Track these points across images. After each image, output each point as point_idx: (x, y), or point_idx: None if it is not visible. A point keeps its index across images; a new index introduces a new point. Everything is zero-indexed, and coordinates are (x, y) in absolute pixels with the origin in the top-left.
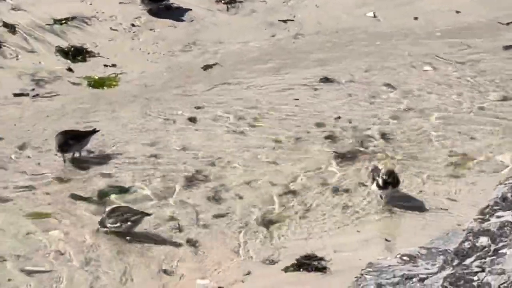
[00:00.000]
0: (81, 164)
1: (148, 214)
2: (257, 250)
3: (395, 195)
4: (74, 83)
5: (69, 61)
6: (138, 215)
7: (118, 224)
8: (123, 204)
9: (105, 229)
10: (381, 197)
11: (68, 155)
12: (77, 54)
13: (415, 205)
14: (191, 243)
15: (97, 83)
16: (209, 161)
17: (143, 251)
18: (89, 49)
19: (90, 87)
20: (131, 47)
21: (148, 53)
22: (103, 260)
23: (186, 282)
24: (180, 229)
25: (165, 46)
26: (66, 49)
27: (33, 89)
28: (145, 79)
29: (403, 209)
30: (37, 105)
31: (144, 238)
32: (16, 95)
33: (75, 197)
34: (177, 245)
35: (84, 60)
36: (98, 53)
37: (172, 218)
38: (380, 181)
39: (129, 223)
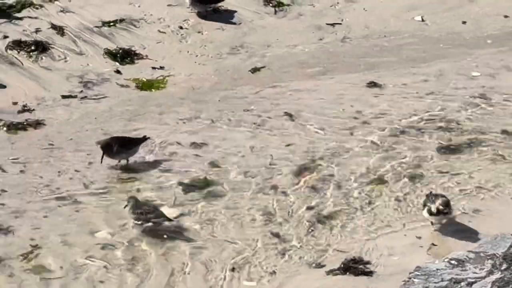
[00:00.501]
0: (128, 166)
1: (170, 219)
2: (303, 253)
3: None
4: (122, 85)
5: (117, 63)
6: (160, 218)
7: (139, 222)
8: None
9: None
10: (432, 223)
11: (115, 161)
12: (125, 56)
13: (464, 209)
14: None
15: (145, 85)
16: (261, 164)
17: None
18: (137, 51)
19: (138, 89)
20: (179, 50)
21: (196, 56)
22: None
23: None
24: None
25: (213, 49)
26: (114, 51)
27: (81, 91)
28: (193, 82)
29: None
30: (84, 107)
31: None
32: (64, 97)
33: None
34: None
35: (132, 62)
36: (146, 55)
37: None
38: (433, 209)
39: (150, 224)
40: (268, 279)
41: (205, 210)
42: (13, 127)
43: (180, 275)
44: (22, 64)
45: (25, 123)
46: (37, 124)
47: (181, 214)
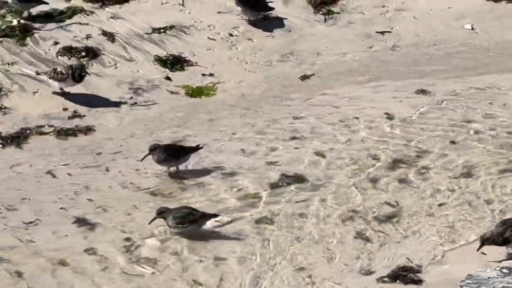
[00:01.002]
0: (178, 174)
1: (214, 215)
2: (353, 259)
3: None
4: (172, 92)
5: (167, 70)
6: (203, 216)
7: (181, 225)
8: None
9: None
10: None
11: (164, 168)
12: (175, 63)
13: None
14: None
15: (195, 92)
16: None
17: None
18: (187, 58)
19: (188, 96)
20: (229, 57)
21: (246, 63)
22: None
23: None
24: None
25: (262, 56)
26: (164, 58)
27: (131, 97)
28: (243, 89)
29: None
30: (134, 114)
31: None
32: (114, 103)
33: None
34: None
35: (182, 69)
36: (196, 62)
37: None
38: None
39: (193, 224)
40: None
41: (258, 216)
42: (63, 133)
43: (228, 281)
44: None
45: (75, 129)
46: (87, 130)
47: (231, 221)
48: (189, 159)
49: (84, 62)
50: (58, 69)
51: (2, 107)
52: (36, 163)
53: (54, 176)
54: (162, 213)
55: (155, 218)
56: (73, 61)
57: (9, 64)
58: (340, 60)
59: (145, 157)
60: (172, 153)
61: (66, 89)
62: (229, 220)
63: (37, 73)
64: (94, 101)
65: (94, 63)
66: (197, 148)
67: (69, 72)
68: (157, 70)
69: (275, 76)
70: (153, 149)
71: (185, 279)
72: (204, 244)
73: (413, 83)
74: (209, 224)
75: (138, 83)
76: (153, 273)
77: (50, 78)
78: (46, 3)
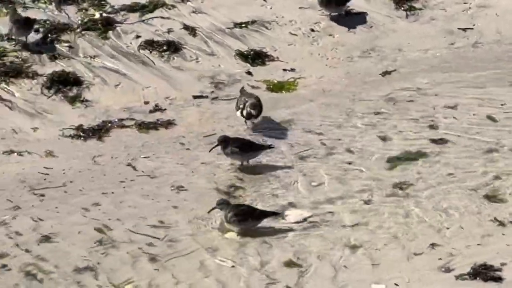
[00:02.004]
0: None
1: (274, 213)
2: (431, 256)
3: None
4: (253, 87)
5: (248, 65)
6: (262, 214)
7: (239, 222)
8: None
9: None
10: None
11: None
12: (256, 57)
13: None
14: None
15: (276, 87)
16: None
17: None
18: (268, 53)
19: (269, 91)
20: (310, 52)
21: (327, 59)
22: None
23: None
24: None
25: (344, 52)
26: (245, 52)
27: (212, 92)
28: (323, 84)
29: None
30: (216, 108)
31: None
32: (195, 97)
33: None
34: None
35: (263, 64)
36: (277, 57)
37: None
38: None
39: (253, 220)
40: (396, 281)
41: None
42: (145, 126)
43: (306, 277)
44: (154, 63)
45: (156, 123)
46: (168, 123)
47: (309, 217)
48: (257, 156)
49: (165, 56)
50: (242, 98)
51: (84, 100)
52: (117, 155)
53: (135, 168)
54: (221, 204)
55: (214, 208)
56: (155, 55)
57: (91, 57)
58: (422, 56)
59: (213, 148)
60: (241, 147)
61: (148, 83)
62: (310, 215)
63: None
64: (175, 95)
65: (175, 57)
66: (268, 147)
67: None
68: (238, 64)
69: (356, 72)
70: (222, 141)
71: (263, 274)
72: (284, 239)
73: (495, 80)
74: (292, 218)
75: (219, 77)
76: (232, 266)
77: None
78: None
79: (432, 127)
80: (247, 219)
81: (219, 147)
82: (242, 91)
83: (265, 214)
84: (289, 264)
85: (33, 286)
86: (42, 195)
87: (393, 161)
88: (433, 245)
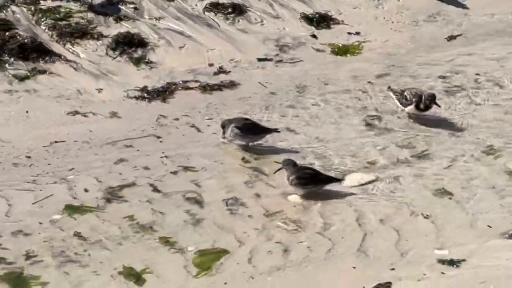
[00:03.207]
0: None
1: (338, 180)
2: (495, 222)
3: None
4: (317, 50)
5: (313, 28)
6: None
7: (304, 185)
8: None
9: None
10: None
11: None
12: (321, 21)
13: None
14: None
15: (341, 51)
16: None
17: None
18: (333, 16)
19: (333, 54)
20: (375, 16)
21: (392, 22)
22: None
23: (422, 252)
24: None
25: (409, 16)
26: (310, 15)
27: (277, 55)
28: (388, 48)
29: None
30: (280, 71)
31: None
32: (260, 59)
33: None
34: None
35: (328, 27)
36: (342, 21)
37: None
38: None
39: (316, 184)
40: (458, 249)
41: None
42: (209, 88)
43: (369, 241)
44: (219, 26)
45: (220, 84)
46: (232, 85)
47: (372, 181)
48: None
49: (230, 19)
50: (406, 93)
51: (149, 61)
52: (182, 117)
53: (198, 130)
54: (287, 165)
55: (280, 169)
56: (220, 18)
57: (156, 19)
58: (488, 21)
59: (223, 134)
60: (246, 128)
61: (213, 45)
62: (374, 179)
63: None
64: (239, 57)
65: (240, 20)
66: (274, 131)
67: (414, 99)
68: (303, 27)
69: (421, 36)
70: (223, 126)
71: (326, 237)
72: (347, 202)
73: None
74: (354, 182)
75: (284, 40)
76: (295, 229)
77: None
78: None
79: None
80: (310, 183)
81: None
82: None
83: (328, 179)
84: (352, 228)
85: None
86: (105, 155)
87: None
88: (496, 211)
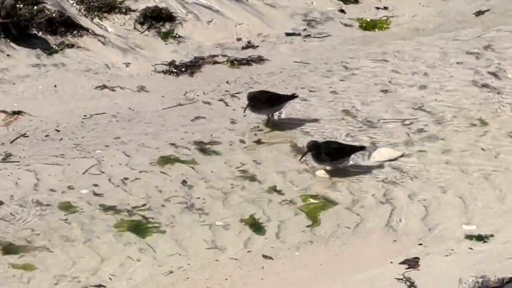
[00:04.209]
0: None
1: (363, 148)
2: None
3: None
4: (345, 25)
5: (341, 2)
6: (353, 149)
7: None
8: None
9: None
10: None
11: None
12: None
13: None
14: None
15: (369, 25)
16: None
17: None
18: None
19: (361, 29)
20: None
21: None
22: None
23: (450, 227)
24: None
25: None
26: None
27: (305, 29)
28: (416, 23)
29: None
30: (308, 45)
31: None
32: (288, 34)
33: None
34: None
35: (356, 2)
36: None
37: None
38: None
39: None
40: (486, 224)
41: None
42: (237, 63)
43: (397, 216)
44: (247, 0)
45: (248, 59)
46: (260, 60)
47: (400, 156)
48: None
49: None
50: None
51: (177, 36)
52: (209, 91)
53: (226, 104)
54: (312, 148)
55: (306, 153)
56: None
57: None
58: None
59: (246, 108)
60: (269, 100)
61: (241, 19)
62: (401, 154)
63: None
64: (267, 32)
65: None
66: (292, 97)
67: None
68: (331, 2)
69: (449, 11)
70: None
71: (354, 212)
72: (375, 177)
73: None
74: (382, 157)
75: (312, 15)
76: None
77: None
78: None
79: None
80: (339, 157)
81: None
82: None
83: (354, 148)
84: (380, 202)
85: None
86: (132, 129)
87: None
88: None
